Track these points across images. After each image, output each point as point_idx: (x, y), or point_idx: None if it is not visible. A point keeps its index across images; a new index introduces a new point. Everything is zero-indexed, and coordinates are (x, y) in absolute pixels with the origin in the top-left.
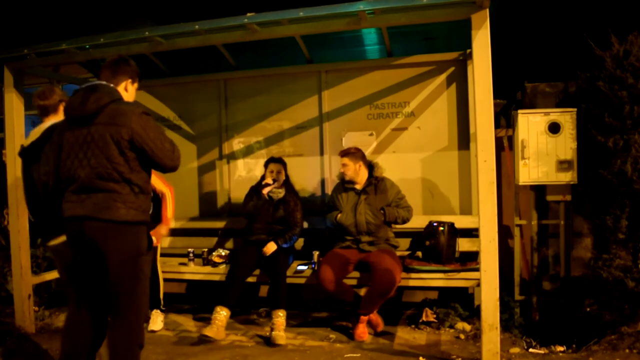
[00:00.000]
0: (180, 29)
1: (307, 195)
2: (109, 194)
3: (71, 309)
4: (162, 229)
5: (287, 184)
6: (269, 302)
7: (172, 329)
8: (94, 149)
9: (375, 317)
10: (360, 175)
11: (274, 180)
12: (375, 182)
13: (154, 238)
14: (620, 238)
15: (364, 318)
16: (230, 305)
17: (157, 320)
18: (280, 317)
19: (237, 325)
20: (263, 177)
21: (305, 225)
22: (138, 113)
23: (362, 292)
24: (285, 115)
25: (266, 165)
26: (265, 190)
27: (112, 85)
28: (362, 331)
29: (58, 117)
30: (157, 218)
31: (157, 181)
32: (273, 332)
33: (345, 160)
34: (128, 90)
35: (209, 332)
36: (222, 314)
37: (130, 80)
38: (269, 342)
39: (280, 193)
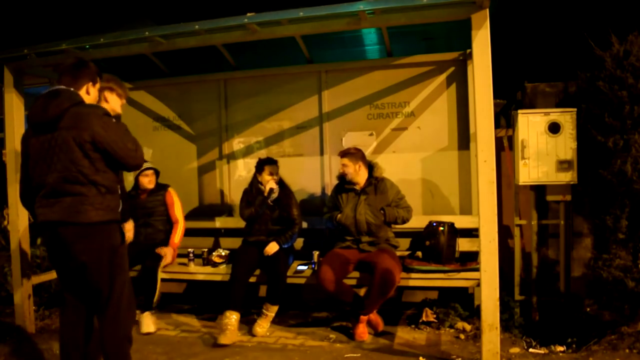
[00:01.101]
0: (180, 29)
1: (306, 196)
2: (77, 198)
3: (62, 308)
4: (168, 251)
5: (279, 183)
6: (266, 297)
7: (172, 329)
8: (59, 154)
9: (375, 317)
10: (360, 176)
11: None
12: (375, 182)
13: (163, 252)
14: (620, 238)
15: (363, 318)
16: (239, 308)
17: (149, 323)
18: (270, 311)
19: (238, 325)
20: (255, 179)
21: (305, 225)
22: (99, 115)
23: (362, 292)
24: (285, 115)
25: (260, 167)
26: (275, 194)
27: (72, 89)
28: (362, 331)
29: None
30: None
31: (178, 209)
32: (257, 321)
33: (345, 160)
34: (90, 93)
35: (224, 340)
36: (232, 318)
37: (91, 83)
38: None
39: (276, 193)
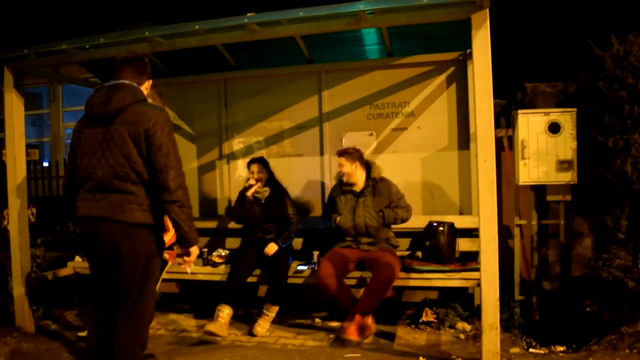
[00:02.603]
0: (180, 29)
1: (306, 196)
2: (125, 196)
3: (93, 306)
4: (170, 255)
5: (272, 182)
6: (266, 297)
7: (172, 329)
8: (112, 148)
9: (367, 322)
10: (357, 176)
11: (257, 181)
12: (374, 183)
13: (166, 255)
14: (620, 238)
15: (358, 317)
16: (233, 304)
17: None
18: (271, 312)
19: (238, 325)
20: (248, 179)
21: (305, 225)
22: (162, 118)
23: (361, 292)
24: (285, 115)
25: (248, 166)
26: (250, 192)
27: (136, 84)
28: (354, 331)
29: None
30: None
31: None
32: (257, 321)
33: (342, 160)
34: (148, 90)
35: (212, 327)
36: (225, 311)
37: (150, 81)
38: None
39: (266, 192)
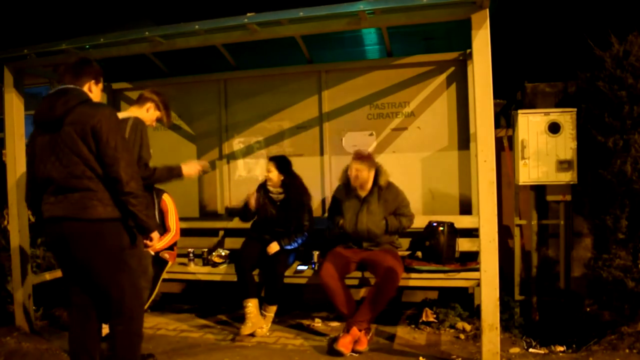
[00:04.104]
0: (180, 29)
1: None
2: (85, 193)
3: (69, 310)
4: (170, 255)
5: (287, 185)
6: (265, 297)
7: (172, 329)
8: (64, 149)
9: (363, 335)
10: (369, 182)
11: (265, 182)
12: (379, 189)
13: (166, 255)
14: (620, 238)
15: (355, 330)
16: (254, 294)
17: None
18: (269, 311)
19: (238, 325)
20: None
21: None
22: (107, 113)
23: (362, 292)
24: (285, 115)
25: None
26: (252, 201)
27: (78, 87)
28: (348, 344)
29: (140, 111)
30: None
31: (172, 218)
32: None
33: (361, 166)
34: (92, 91)
35: (245, 330)
36: (250, 305)
37: (93, 81)
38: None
39: (281, 195)
